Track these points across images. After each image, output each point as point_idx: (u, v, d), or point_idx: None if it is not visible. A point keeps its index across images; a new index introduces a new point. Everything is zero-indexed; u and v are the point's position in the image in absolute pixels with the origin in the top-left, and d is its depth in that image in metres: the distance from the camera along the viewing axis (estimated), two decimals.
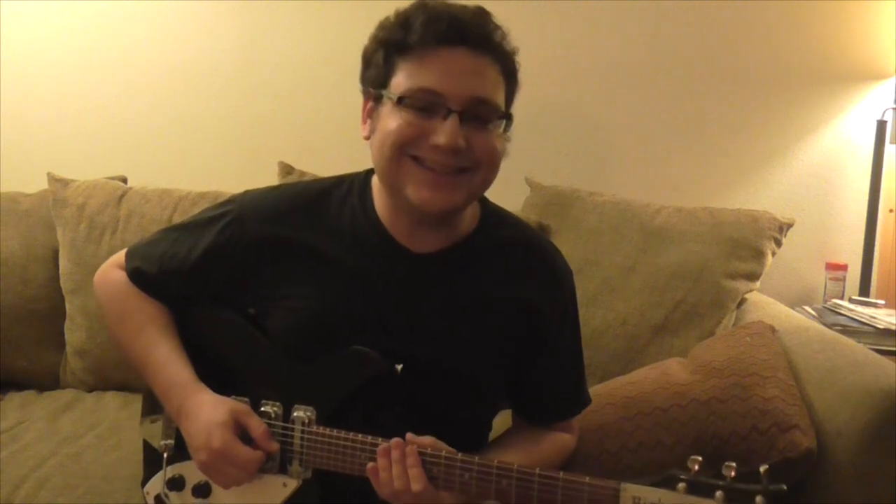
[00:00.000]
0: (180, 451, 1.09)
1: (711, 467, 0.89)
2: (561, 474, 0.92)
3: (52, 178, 1.95)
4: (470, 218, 1.13)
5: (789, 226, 1.81)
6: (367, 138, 1.07)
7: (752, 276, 1.76)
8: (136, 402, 1.22)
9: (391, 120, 1.00)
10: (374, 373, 1.03)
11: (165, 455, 1.10)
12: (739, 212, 1.82)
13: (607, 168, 2.16)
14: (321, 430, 1.02)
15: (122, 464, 1.42)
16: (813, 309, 1.99)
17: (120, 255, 1.22)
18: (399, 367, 1.02)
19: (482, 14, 1.03)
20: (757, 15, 2.08)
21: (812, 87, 2.10)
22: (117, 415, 1.66)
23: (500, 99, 1.04)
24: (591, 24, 2.11)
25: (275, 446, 1.03)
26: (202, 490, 1.07)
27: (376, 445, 0.97)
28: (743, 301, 1.76)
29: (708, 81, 2.12)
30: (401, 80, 1.01)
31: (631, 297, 1.72)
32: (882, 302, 1.99)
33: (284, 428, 1.04)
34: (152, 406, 1.16)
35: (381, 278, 1.08)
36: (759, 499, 0.84)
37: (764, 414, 1.22)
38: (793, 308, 1.87)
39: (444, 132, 0.98)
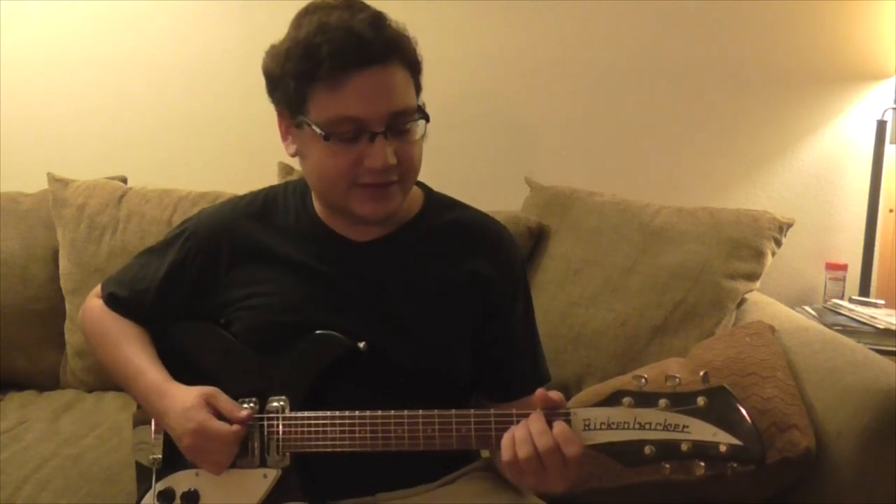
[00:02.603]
0: (168, 465, 1.13)
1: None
2: (514, 409, 0.98)
3: (52, 178, 1.95)
4: (410, 204, 1.18)
5: (789, 226, 1.81)
6: (294, 156, 1.14)
7: (752, 277, 1.75)
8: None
9: (321, 153, 1.06)
10: (338, 352, 1.08)
11: (154, 469, 1.13)
12: (739, 212, 1.82)
13: (607, 168, 2.15)
14: (296, 414, 1.06)
15: (124, 466, 1.41)
16: (813, 309, 1.99)
17: (98, 288, 1.30)
18: (362, 344, 1.08)
19: (378, 21, 1.04)
20: (757, 15, 2.08)
21: (812, 87, 2.10)
22: (118, 415, 1.66)
23: (413, 97, 1.08)
24: (591, 24, 2.11)
25: (245, 413, 1.06)
26: (190, 498, 1.10)
27: (345, 418, 1.02)
28: (743, 301, 1.75)
29: (708, 81, 2.12)
30: (318, 110, 1.04)
31: (631, 297, 1.72)
32: (882, 302, 1.99)
33: (261, 420, 1.08)
34: (142, 420, 1.19)
35: (331, 269, 1.14)
36: (700, 399, 0.89)
37: (762, 414, 1.22)
38: (793, 308, 1.87)
39: (375, 156, 1.03)
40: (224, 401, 1.07)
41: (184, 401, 1.07)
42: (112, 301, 1.25)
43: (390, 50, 1.04)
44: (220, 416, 1.06)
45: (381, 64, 1.02)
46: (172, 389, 1.11)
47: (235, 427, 1.05)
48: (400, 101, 1.05)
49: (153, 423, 1.15)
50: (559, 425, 0.93)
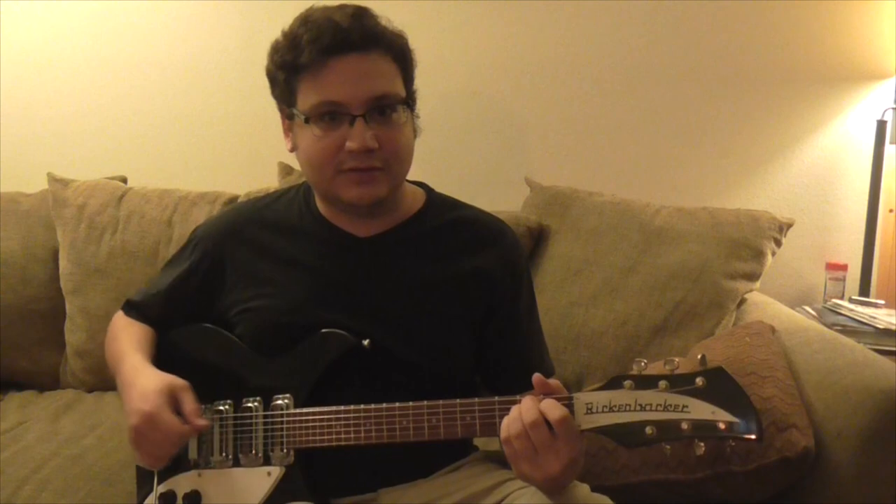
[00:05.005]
0: (169, 468, 1.13)
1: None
2: (518, 397, 0.98)
3: (52, 178, 1.95)
4: (411, 202, 1.22)
5: (789, 226, 1.81)
6: (292, 151, 1.16)
7: (752, 276, 1.75)
8: None
9: (306, 138, 1.10)
10: (342, 350, 1.09)
11: (156, 472, 1.13)
12: (739, 212, 1.82)
13: (607, 168, 2.15)
14: (300, 411, 1.07)
15: (124, 466, 1.42)
16: (813, 309, 1.99)
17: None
18: (366, 342, 1.09)
19: (360, 13, 1.08)
20: (757, 15, 2.08)
21: (812, 87, 2.10)
22: (118, 416, 1.65)
23: (398, 86, 1.11)
24: (590, 25, 2.11)
25: (203, 423, 1.06)
26: (192, 499, 1.11)
27: (349, 412, 1.04)
28: (743, 301, 1.75)
29: (708, 82, 2.12)
30: (304, 99, 1.09)
31: (631, 297, 1.72)
32: (882, 302, 1.98)
33: (266, 418, 1.09)
34: None
35: (333, 265, 1.17)
36: (699, 380, 0.91)
37: (762, 413, 1.22)
38: (793, 308, 1.87)
39: (354, 137, 1.06)
40: (189, 400, 1.08)
41: (149, 383, 1.08)
42: (127, 306, 1.31)
43: (370, 38, 1.07)
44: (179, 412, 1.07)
45: (360, 51, 1.06)
46: (146, 370, 1.12)
47: (186, 427, 1.05)
48: (380, 86, 1.07)
49: None
50: (547, 401, 0.94)
